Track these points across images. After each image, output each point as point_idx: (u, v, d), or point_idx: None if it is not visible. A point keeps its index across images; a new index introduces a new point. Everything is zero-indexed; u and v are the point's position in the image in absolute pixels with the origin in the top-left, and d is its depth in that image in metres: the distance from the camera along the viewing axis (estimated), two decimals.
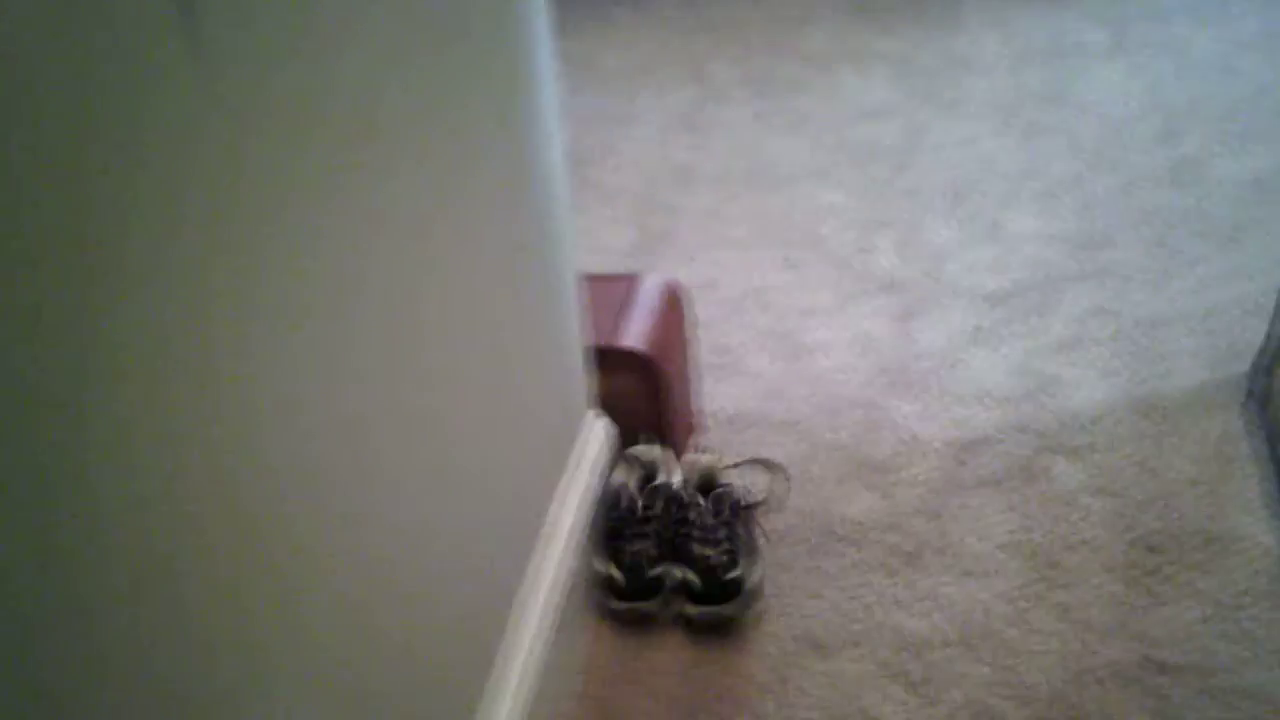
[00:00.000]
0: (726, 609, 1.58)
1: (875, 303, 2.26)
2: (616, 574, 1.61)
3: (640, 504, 1.66)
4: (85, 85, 0.60)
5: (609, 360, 1.71)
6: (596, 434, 1.69)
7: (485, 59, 1.21)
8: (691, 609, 1.59)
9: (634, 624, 1.63)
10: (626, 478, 1.71)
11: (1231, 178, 2.50)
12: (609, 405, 1.73)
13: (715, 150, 2.85)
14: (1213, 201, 2.44)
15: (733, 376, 2.09)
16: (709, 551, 1.62)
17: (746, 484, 1.81)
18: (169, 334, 0.68)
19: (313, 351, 0.85)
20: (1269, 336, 1.86)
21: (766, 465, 1.86)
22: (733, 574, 1.59)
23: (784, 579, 1.68)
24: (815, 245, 2.44)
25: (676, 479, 1.72)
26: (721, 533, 1.64)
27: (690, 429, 1.91)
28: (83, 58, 0.60)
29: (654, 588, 1.61)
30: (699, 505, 1.67)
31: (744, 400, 2.03)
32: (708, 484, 1.74)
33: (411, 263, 1.03)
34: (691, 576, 1.59)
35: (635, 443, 1.75)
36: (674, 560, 1.65)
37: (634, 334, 1.73)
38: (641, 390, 1.76)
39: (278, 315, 0.80)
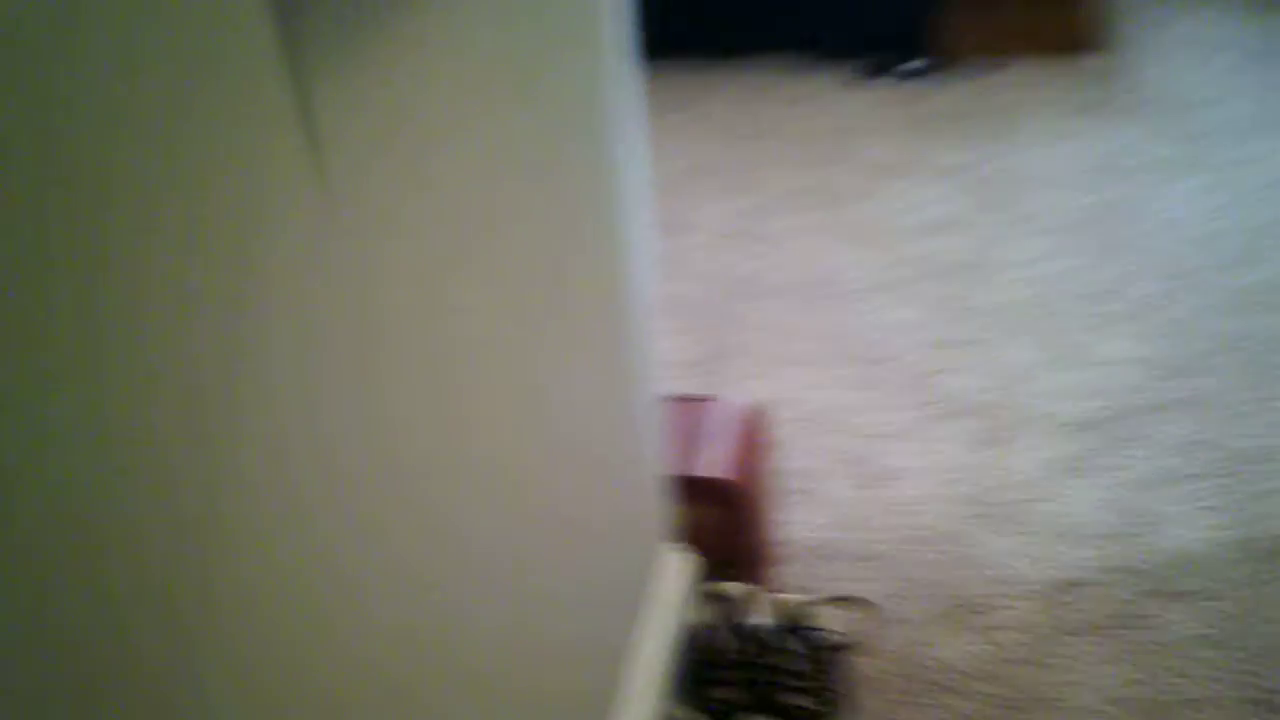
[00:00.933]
0: None
1: (955, 426, 2.15)
2: None
3: (726, 646, 1.54)
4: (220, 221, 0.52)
5: (689, 489, 1.61)
6: (676, 569, 1.58)
7: (584, 169, 1.15)
8: None
9: None
10: (710, 617, 1.59)
11: None
12: (689, 538, 1.62)
13: (778, 260, 2.77)
14: None
15: (809, 503, 1.98)
16: (802, 701, 1.49)
17: (835, 623, 1.69)
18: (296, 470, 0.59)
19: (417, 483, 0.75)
20: None
21: (856, 603, 1.74)
22: None
23: None
24: (888, 363, 2.35)
25: (764, 618, 1.60)
26: (814, 679, 1.52)
27: (770, 561, 1.80)
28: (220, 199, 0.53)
29: None
30: (788, 648, 1.55)
31: (823, 530, 1.93)
32: (796, 623, 1.62)
33: (508, 396, 0.93)
34: None
35: (718, 578, 1.64)
36: (762, 709, 1.53)
37: (714, 461, 1.63)
38: (723, 522, 1.66)
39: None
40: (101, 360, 0.49)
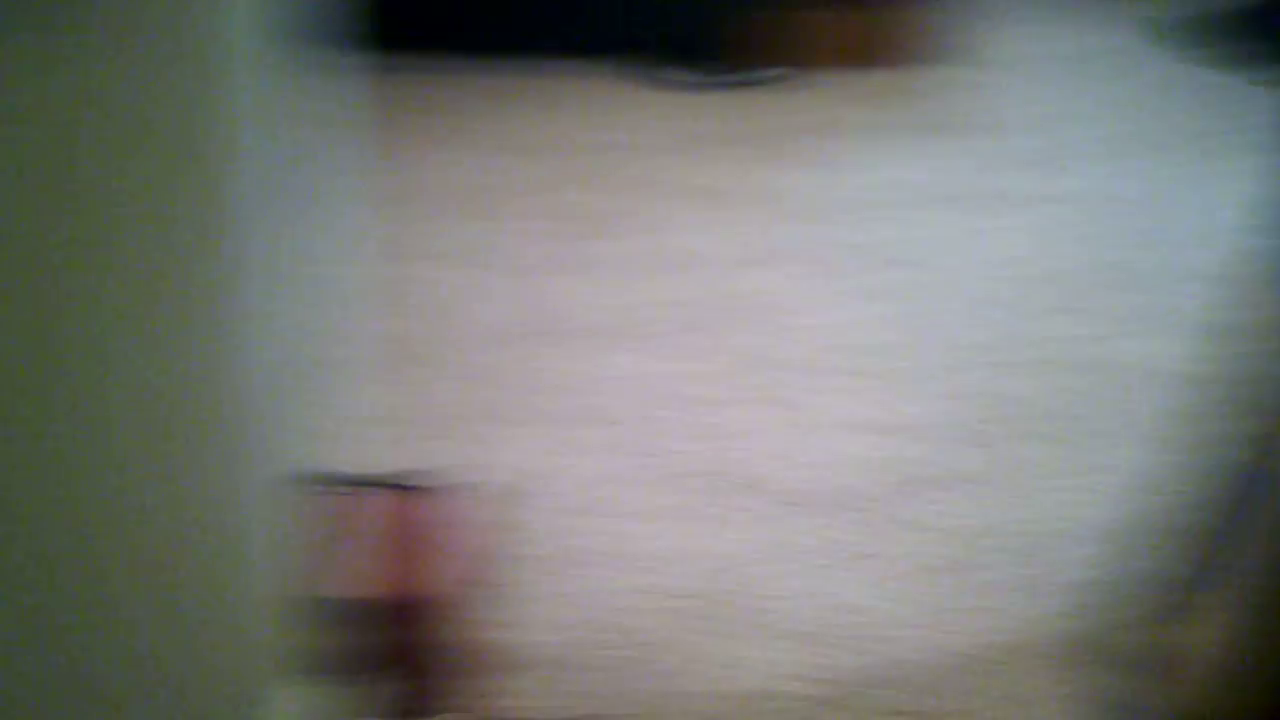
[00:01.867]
0: None
1: (668, 500, 1.86)
2: None
3: None
4: None
5: (329, 609, 1.27)
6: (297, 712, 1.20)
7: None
8: None
9: None
10: None
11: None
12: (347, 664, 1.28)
13: (526, 297, 2.43)
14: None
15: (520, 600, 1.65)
16: None
17: None
18: None
19: None
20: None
21: None
22: None
23: None
24: (601, 422, 2.03)
25: None
26: None
27: (480, 675, 1.45)
28: None
29: None
30: None
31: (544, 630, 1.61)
32: None
33: None
34: None
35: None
36: None
37: (361, 572, 1.31)
38: (387, 645, 1.31)
39: None
40: None
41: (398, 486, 1.44)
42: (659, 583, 1.71)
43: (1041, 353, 2.24)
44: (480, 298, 2.38)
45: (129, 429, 0.92)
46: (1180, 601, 1.47)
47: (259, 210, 1.01)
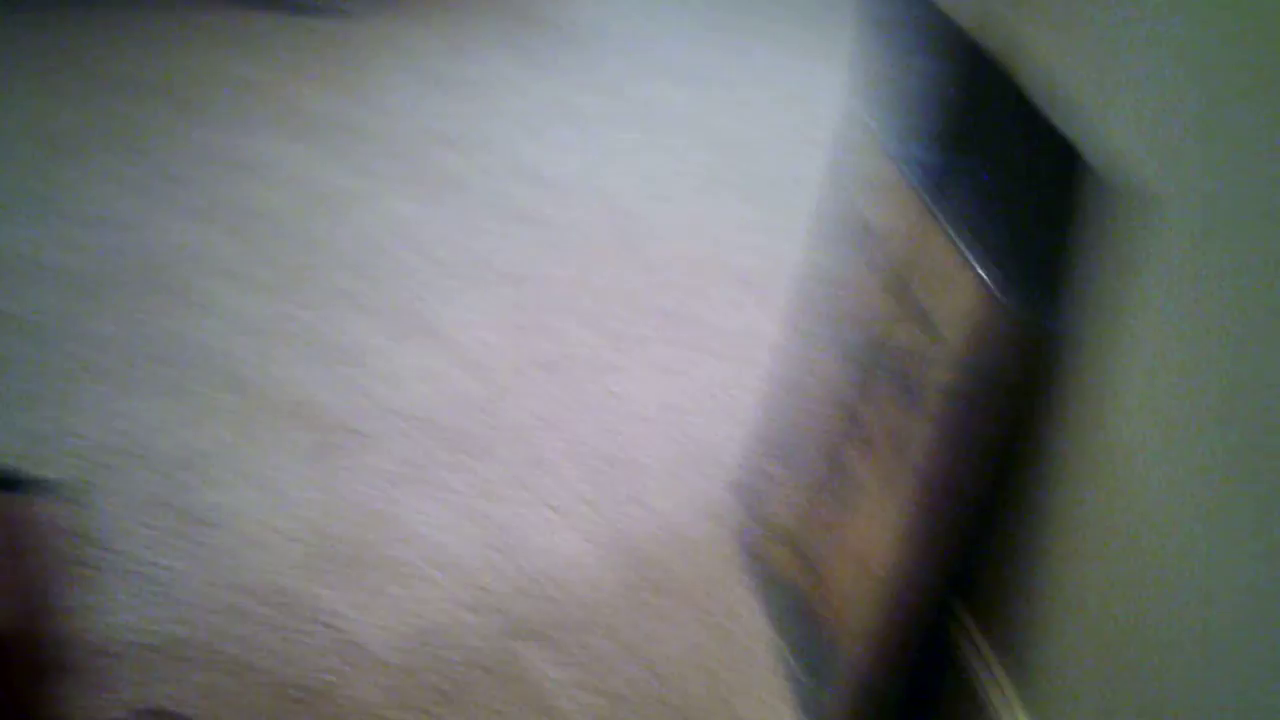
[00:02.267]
0: None
1: (285, 437, 1.74)
2: None
3: None
4: None
5: None
6: None
7: None
8: None
9: None
10: None
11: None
12: None
13: (98, 242, 2.20)
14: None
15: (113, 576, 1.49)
16: None
17: None
18: None
19: None
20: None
21: (159, 717, 1.28)
22: None
23: None
24: (199, 360, 1.88)
25: None
26: None
27: (49, 673, 1.27)
28: None
29: None
30: None
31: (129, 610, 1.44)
32: None
33: None
34: None
35: None
36: None
37: None
38: None
39: None
40: None
41: None
42: (263, 534, 1.57)
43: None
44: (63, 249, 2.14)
45: None
46: (810, 486, 1.48)
47: None
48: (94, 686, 1.36)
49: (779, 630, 1.49)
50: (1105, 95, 1.08)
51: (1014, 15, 1.23)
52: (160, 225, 2.23)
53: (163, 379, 1.84)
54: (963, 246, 1.19)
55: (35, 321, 1.93)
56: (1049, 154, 1.13)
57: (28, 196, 2.28)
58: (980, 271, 1.15)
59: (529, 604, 1.52)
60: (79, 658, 1.39)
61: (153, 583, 1.51)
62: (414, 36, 3.10)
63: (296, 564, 1.55)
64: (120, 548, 1.55)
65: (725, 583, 1.58)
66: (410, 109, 2.72)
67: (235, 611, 1.48)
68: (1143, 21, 1.03)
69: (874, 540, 1.29)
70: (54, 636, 1.28)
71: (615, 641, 1.49)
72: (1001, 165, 1.21)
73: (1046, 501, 1.18)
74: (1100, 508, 1.09)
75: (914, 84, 1.39)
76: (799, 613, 1.44)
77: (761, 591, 1.55)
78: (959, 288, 1.18)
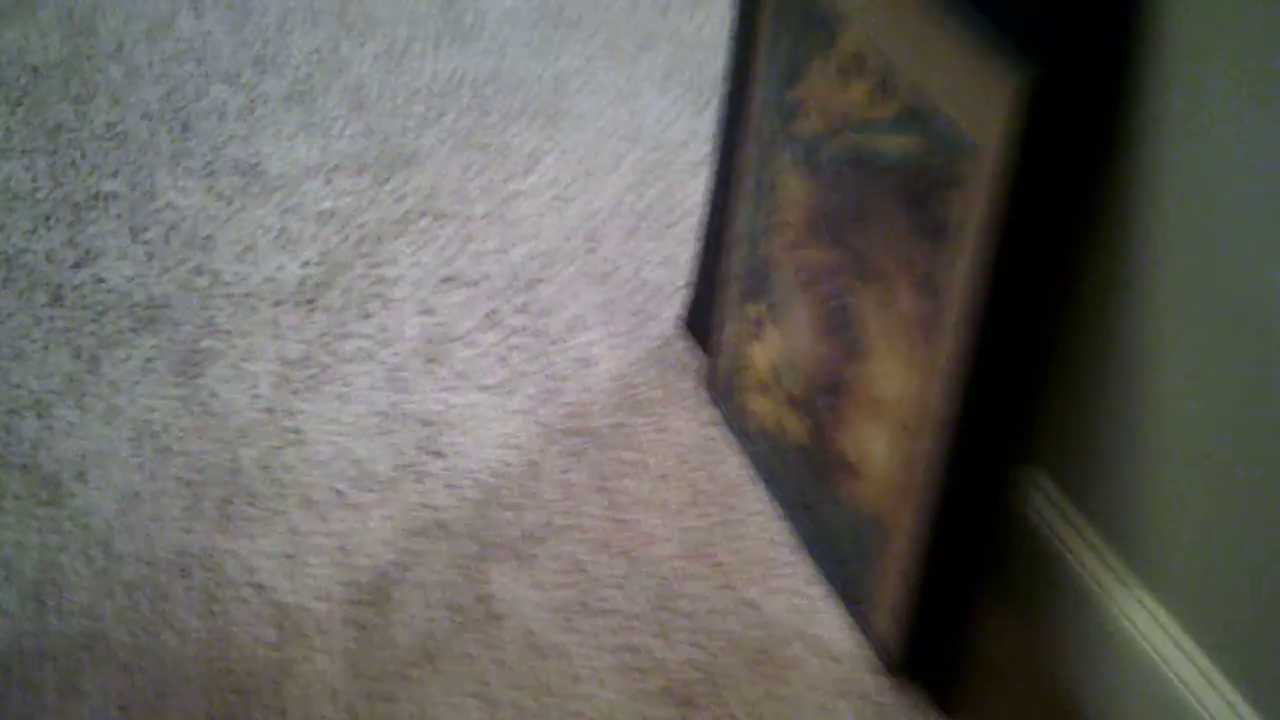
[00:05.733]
0: None
1: (132, 353, 1.41)
2: None
3: None
4: None
5: None
6: None
7: None
8: None
9: None
10: None
11: None
12: None
13: None
14: None
15: None
16: None
17: None
18: None
19: None
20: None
21: None
22: None
23: None
24: None
25: None
26: None
27: None
28: None
29: None
30: None
31: None
32: None
33: None
34: None
35: None
36: None
37: None
38: None
39: None
40: None
41: None
42: (135, 480, 1.27)
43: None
44: None
45: None
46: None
47: None
48: None
49: (783, 502, 1.27)
50: None
51: None
52: None
53: None
54: (974, 18, 0.93)
55: None
56: None
57: None
58: (1009, 49, 0.89)
59: (483, 516, 1.28)
60: None
61: (12, 569, 1.22)
62: None
63: (198, 517, 1.27)
64: None
65: (709, 451, 1.35)
66: None
67: (135, 588, 1.20)
68: None
69: (900, 390, 1.06)
70: None
71: (593, 545, 1.26)
72: None
73: (1133, 319, 0.96)
74: (1209, 317, 0.87)
75: None
76: (807, 478, 1.22)
77: (752, 454, 1.32)
78: (979, 73, 0.91)
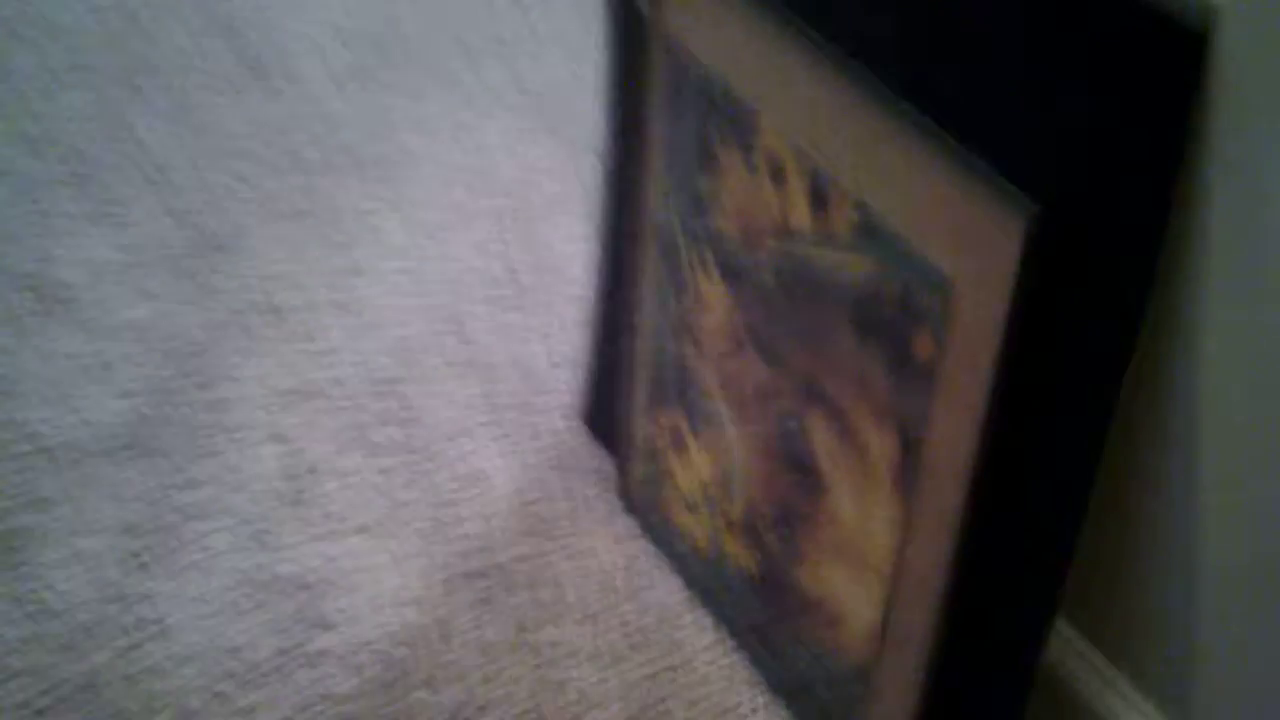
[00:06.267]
0: None
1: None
2: None
3: None
4: None
5: None
6: None
7: None
8: None
9: None
10: None
11: None
12: None
13: None
14: None
15: None
16: None
17: None
18: None
19: None
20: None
21: None
22: None
23: None
24: None
25: None
26: None
27: None
28: None
29: None
30: None
31: None
32: None
33: None
34: None
35: None
36: None
37: None
38: None
39: None
40: None
41: None
42: None
43: None
44: None
45: None
46: None
47: None
48: None
49: (733, 630, 1.13)
50: None
51: None
52: None
53: None
54: (941, 134, 0.77)
55: None
56: None
57: None
58: (981, 173, 0.74)
59: (397, 701, 1.11)
60: None
61: None
62: None
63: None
64: None
65: (635, 573, 1.19)
66: None
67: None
68: None
69: (875, 536, 0.92)
70: None
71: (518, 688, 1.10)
72: None
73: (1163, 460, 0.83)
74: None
75: None
76: (762, 612, 1.08)
77: (686, 576, 1.17)
78: (954, 193, 0.77)
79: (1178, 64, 0.68)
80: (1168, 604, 0.87)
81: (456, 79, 1.75)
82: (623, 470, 1.22)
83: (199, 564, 1.20)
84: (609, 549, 1.22)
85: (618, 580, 1.20)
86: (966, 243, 0.77)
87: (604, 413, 1.25)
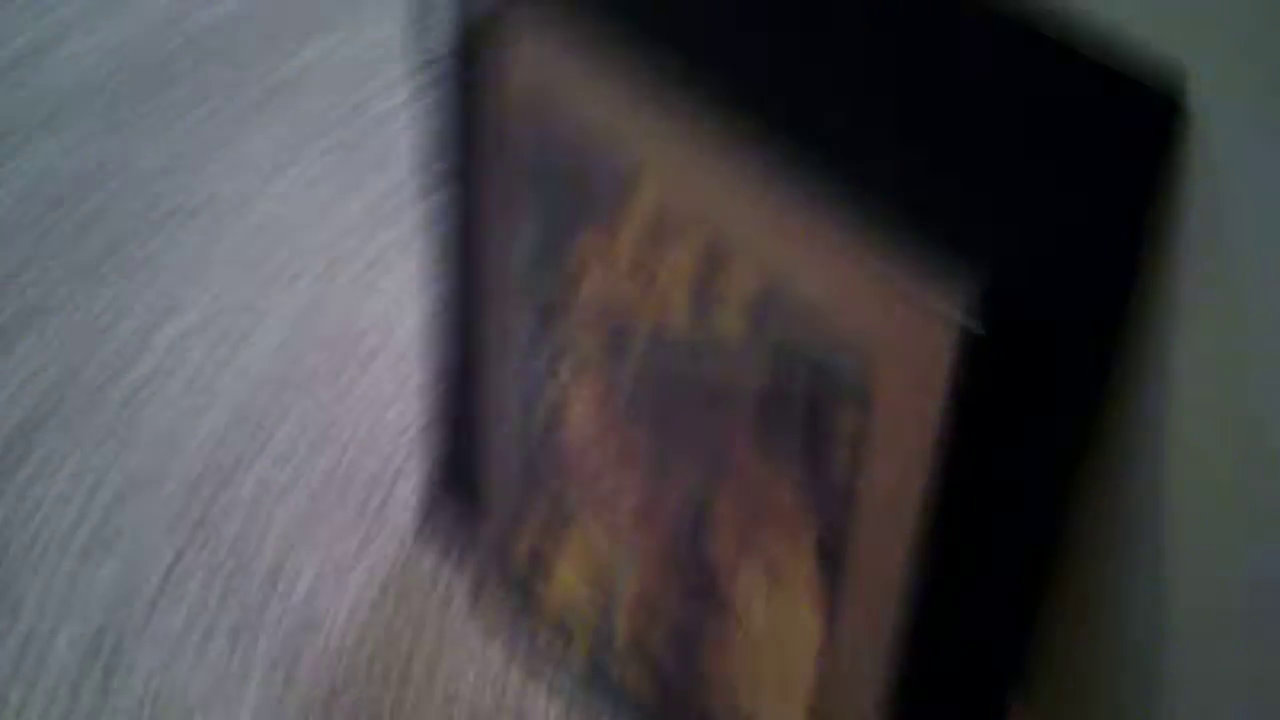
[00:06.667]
0: None
1: None
2: None
3: None
4: None
5: None
6: None
7: None
8: None
9: None
10: None
11: None
12: None
13: None
14: None
15: None
16: None
17: None
18: None
19: None
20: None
21: None
22: None
23: None
24: None
25: None
26: None
27: None
28: None
29: None
30: None
31: None
32: None
33: None
34: None
35: None
36: None
37: None
38: None
39: None
40: None
41: None
42: None
43: None
44: None
45: None
46: None
47: None
48: None
49: None
50: None
51: None
52: None
53: None
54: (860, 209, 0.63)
55: None
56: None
57: None
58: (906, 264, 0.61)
59: None
60: None
61: None
62: None
63: None
64: None
65: (517, 716, 1.03)
66: None
67: None
68: None
69: (799, 664, 0.78)
70: None
71: None
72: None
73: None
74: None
75: None
76: None
77: (573, 700, 1.02)
78: (878, 270, 0.63)
79: (1146, 129, 0.54)
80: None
81: (258, 109, 1.55)
82: (481, 583, 1.06)
83: None
84: (480, 685, 1.05)
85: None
86: (891, 332, 0.63)
87: (456, 509, 1.09)
